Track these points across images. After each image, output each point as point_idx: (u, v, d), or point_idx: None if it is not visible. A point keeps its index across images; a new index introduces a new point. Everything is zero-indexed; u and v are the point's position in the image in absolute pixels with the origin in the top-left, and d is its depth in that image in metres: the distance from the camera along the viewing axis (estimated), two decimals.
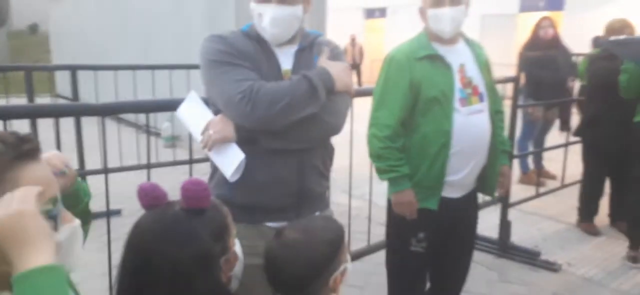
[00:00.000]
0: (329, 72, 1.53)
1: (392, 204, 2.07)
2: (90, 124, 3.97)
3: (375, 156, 2.05)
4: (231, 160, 1.50)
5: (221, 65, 1.50)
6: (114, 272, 1.06)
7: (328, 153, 1.68)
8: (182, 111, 1.63)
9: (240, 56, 1.51)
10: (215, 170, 1.61)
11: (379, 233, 2.98)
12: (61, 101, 5.95)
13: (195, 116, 1.59)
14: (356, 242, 3.07)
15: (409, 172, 2.01)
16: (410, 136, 2.01)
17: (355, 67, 15.33)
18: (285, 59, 1.58)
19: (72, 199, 1.02)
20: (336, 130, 1.62)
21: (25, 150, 0.80)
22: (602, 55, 3.73)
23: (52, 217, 0.80)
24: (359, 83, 15.64)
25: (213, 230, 1.01)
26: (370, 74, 18.60)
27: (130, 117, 6.87)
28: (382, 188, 2.26)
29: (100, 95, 4.85)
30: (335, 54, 1.63)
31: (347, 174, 3.01)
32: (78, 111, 2.19)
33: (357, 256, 3.04)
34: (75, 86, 4.34)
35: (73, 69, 4.42)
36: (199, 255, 0.96)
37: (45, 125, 2.86)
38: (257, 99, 1.42)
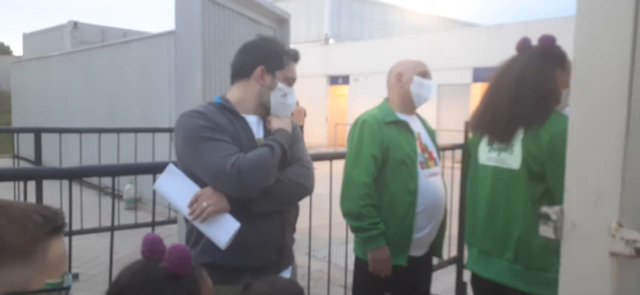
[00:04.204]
0: (287, 131, 1.69)
1: (371, 261, 2.10)
2: (51, 186, 3.93)
3: (355, 215, 2.07)
4: (226, 230, 1.54)
5: (205, 141, 1.54)
6: None
7: (296, 209, 1.82)
8: (162, 184, 1.62)
9: (220, 130, 1.58)
10: (199, 237, 1.63)
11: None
12: (23, 163, 5.83)
13: (178, 189, 1.59)
14: None
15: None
16: (380, 196, 2.11)
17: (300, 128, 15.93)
18: (256, 128, 1.71)
19: None
20: (311, 190, 1.77)
21: (58, 225, 0.84)
22: None
23: (66, 289, 0.84)
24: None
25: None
26: (334, 138, 19.01)
27: (93, 179, 6.79)
28: (341, 250, 2.35)
29: (64, 157, 4.81)
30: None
31: (306, 235, 3.11)
32: (44, 175, 2.20)
33: None
34: (38, 149, 4.29)
35: (37, 132, 4.38)
36: None
37: (4, 187, 2.85)
38: (246, 171, 1.50)
